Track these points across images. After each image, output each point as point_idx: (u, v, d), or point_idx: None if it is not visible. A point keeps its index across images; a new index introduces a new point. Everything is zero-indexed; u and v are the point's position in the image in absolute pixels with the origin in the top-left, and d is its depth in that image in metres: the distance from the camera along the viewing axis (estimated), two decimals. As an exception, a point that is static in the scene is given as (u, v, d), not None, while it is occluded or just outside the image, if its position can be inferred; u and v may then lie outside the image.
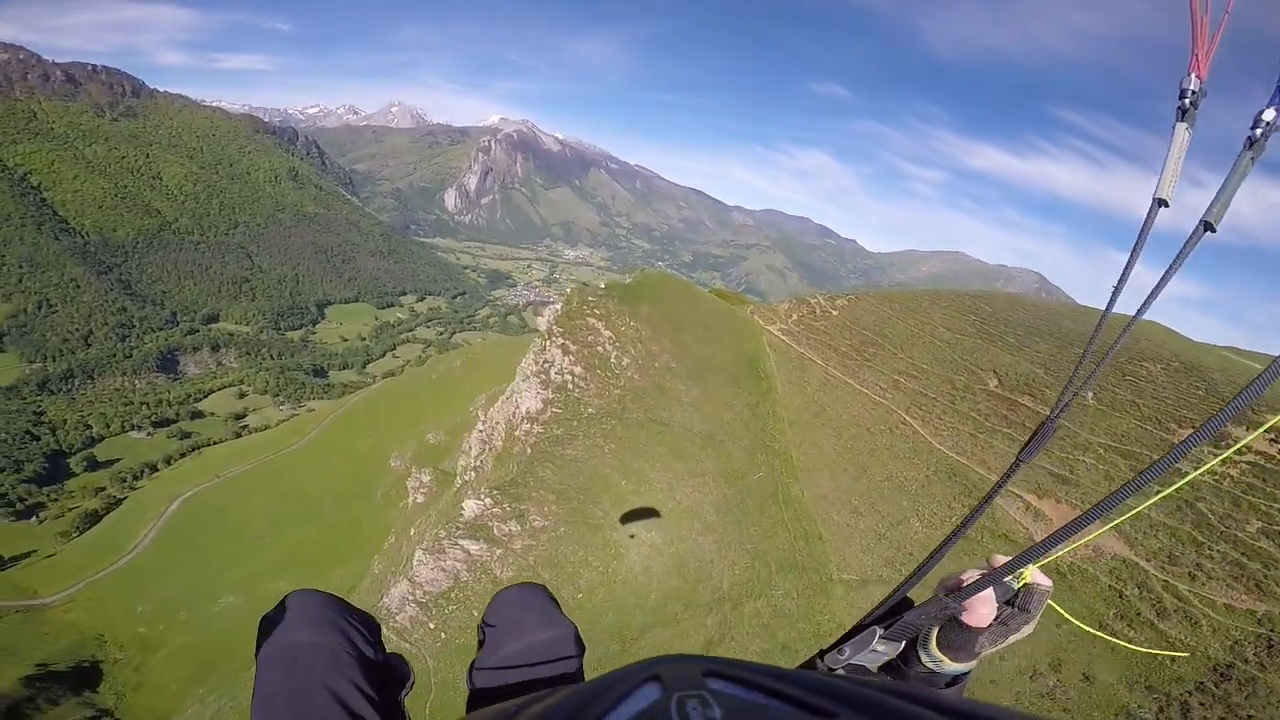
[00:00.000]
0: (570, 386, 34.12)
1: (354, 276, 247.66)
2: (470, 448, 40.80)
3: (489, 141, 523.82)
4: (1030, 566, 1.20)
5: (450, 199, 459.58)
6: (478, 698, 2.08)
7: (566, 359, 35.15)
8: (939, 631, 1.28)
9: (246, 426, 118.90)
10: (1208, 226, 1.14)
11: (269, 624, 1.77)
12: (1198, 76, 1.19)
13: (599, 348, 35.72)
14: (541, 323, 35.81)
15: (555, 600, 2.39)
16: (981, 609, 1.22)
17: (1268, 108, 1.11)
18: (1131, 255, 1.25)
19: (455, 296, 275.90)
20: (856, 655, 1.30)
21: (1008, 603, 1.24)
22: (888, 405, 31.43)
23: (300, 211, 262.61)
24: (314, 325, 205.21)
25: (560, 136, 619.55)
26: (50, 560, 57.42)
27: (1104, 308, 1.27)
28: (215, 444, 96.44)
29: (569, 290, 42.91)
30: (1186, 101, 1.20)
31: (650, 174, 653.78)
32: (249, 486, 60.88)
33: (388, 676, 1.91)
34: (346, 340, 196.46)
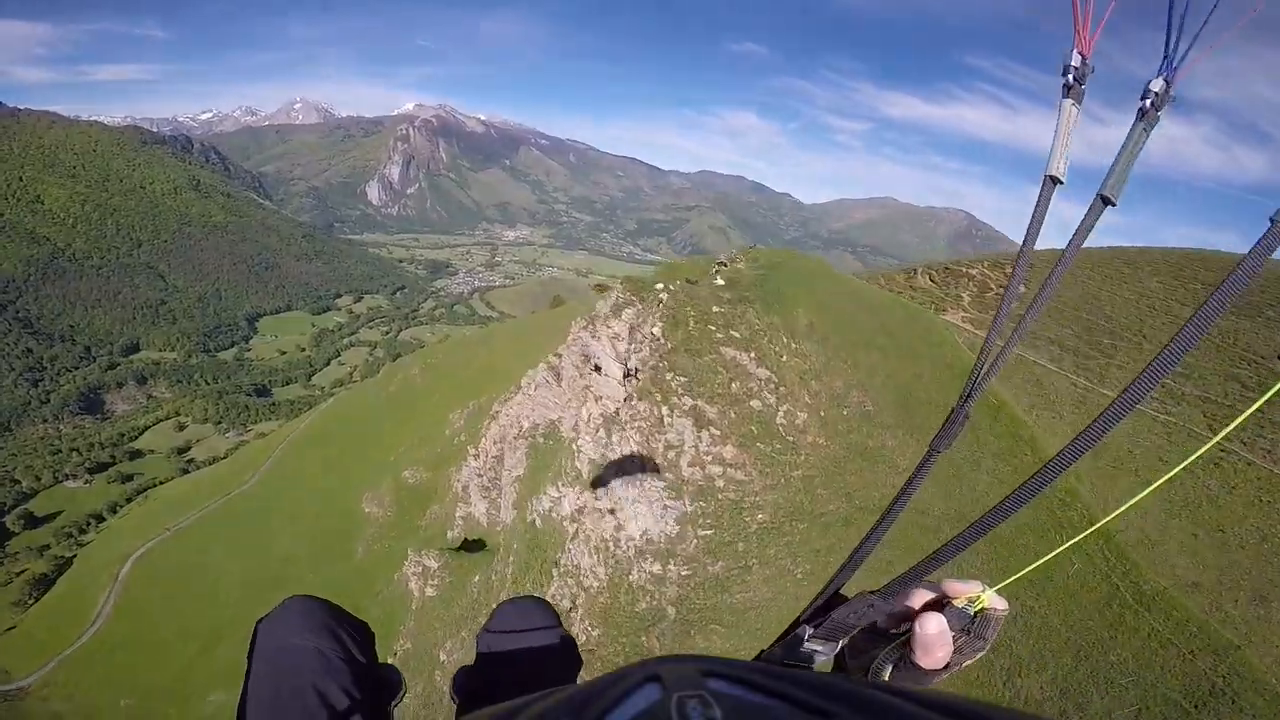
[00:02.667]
0: (721, 485, 19.41)
1: (281, 284, 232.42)
2: (508, 549, 28.61)
3: (406, 129, 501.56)
4: (987, 590, 1.10)
5: (373, 192, 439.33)
6: (465, 704, 2.16)
7: (702, 436, 19.92)
8: (891, 671, 1.17)
9: (193, 460, 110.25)
10: (1105, 200, 1.11)
11: (265, 628, 1.79)
12: (1080, 53, 1.14)
13: (751, 401, 20.66)
14: (610, 367, 24.76)
15: (556, 612, 2.36)
16: (938, 651, 1.09)
17: (1156, 78, 1.07)
18: (1028, 234, 1.17)
19: (395, 292, 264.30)
20: (789, 656, 1.22)
21: (964, 630, 1.10)
22: (1178, 423, 20.80)
23: (209, 222, 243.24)
24: (246, 341, 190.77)
25: (483, 118, 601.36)
26: (11, 634, 51.54)
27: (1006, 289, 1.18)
28: (162, 483, 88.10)
29: (648, 291, 27.06)
30: (1070, 78, 1.15)
31: (583, 146, 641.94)
32: (207, 538, 54.17)
33: (379, 684, 1.90)
34: (285, 353, 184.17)
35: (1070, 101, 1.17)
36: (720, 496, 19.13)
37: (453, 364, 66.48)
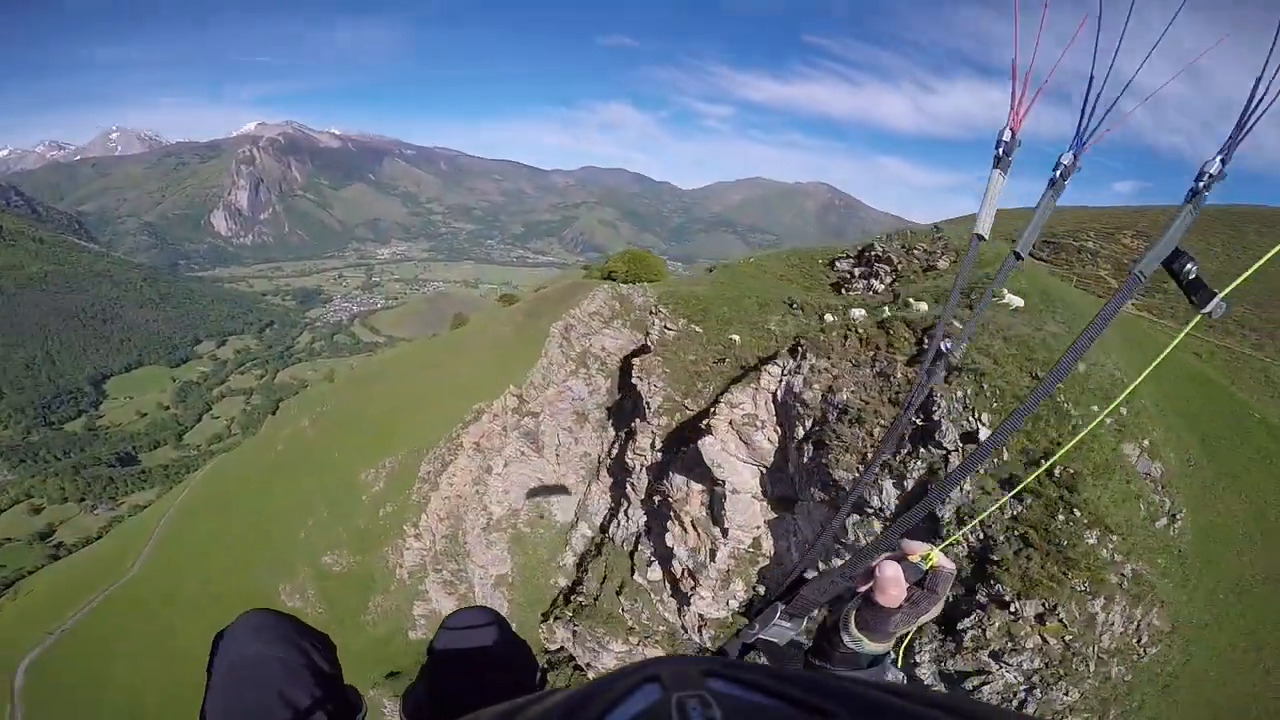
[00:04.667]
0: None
1: (127, 337, 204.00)
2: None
3: (250, 151, 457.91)
4: (935, 549, 1.28)
5: (220, 222, 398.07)
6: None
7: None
8: (857, 613, 1.32)
9: (60, 544, 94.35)
10: (1018, 256, 1.33)
11: (223, 640, 1.76)
12: (1012, 130, 1.31)
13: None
14: (734, 468, 19.52)
15: (506, 622, 2.27)
16: (892, 589, 1.26)
17: (1067, 152, 1.24)
18: (957, 280, 1.48)
19: (263, 330, 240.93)
20: (764, 631, 1.36)
21: (917, 584, 1.29)
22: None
23: (23, 274, 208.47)
24: (96, 407, 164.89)
25: (338, 132, 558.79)
26: None
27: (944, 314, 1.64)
28: (32, 572, 73.83)
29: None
30: (1000, 150, 1.32)
31: (454, 154, 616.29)
32: (104, 640, 44.64)
33: (342, 701, 1.85)
34: (145, 414, 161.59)
35: (998, 171, 1.32)
36: None
37: (348, 409, 58.22)
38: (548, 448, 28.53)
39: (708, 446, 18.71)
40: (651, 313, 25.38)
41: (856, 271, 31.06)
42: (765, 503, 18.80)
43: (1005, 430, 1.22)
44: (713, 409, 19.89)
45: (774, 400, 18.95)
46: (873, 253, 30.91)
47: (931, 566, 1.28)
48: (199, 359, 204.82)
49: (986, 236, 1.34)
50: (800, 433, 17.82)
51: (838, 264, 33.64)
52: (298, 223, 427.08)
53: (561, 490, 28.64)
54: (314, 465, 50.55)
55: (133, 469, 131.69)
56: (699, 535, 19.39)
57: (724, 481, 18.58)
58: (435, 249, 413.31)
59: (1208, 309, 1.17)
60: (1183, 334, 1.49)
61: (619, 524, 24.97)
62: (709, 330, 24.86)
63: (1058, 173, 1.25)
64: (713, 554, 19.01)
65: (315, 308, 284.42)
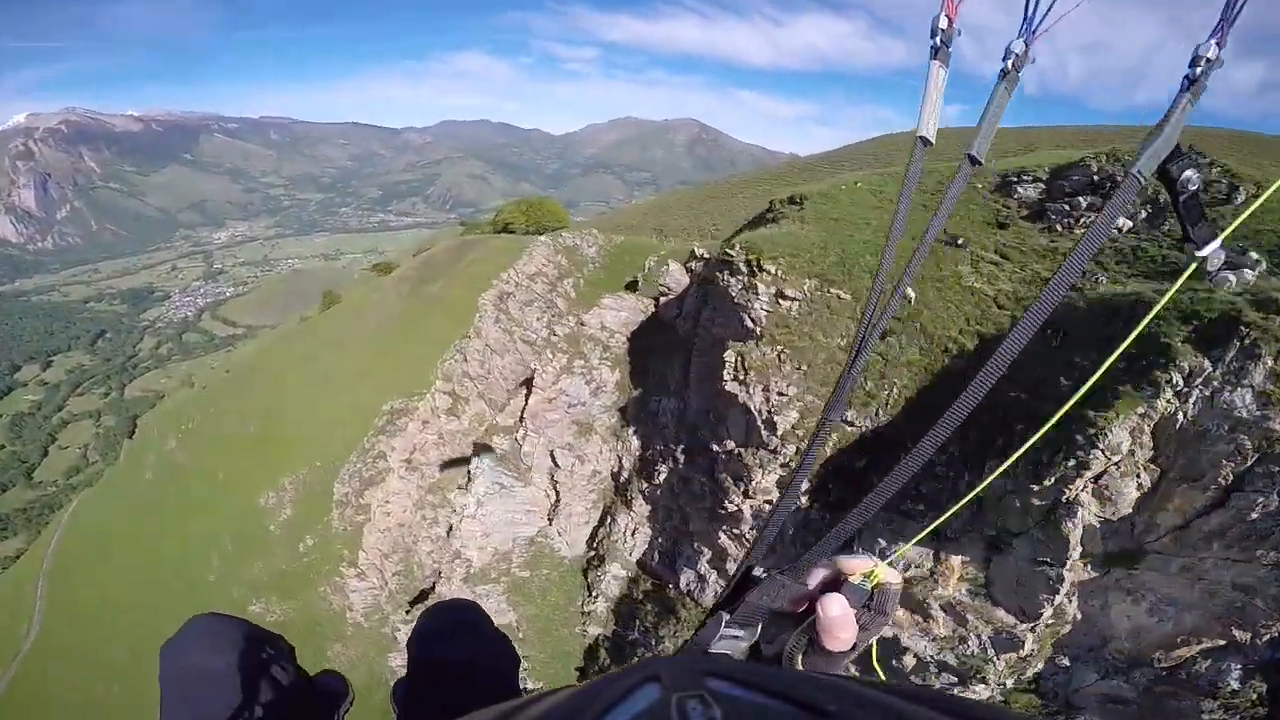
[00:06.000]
0: None
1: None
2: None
3: (26, 144, 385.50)
4: (880, 564, 1.14)
5: (6, 228, 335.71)
6: (404, 716, 2.08)
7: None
8: (802, 657, 1.16)
9: None
10: (973, 160, 1.17)
11: (170, 650, 1.72)
12: (948, 16, 1.19)
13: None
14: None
15: (486, 615, 2.34)
16: (842, 633, 1.10)
17: (1017, 39, 1.13)
18: (902, 195, 1.26)
19: (95, 341, 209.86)
20: (712, 642, 1.21)
21: (865, 606, 1.14)
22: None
23: None
24: None
25: (137, 114, 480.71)
26: None
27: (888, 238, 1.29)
28: None
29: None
30: (938, 40, 1.20)
31: (287, 122, 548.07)
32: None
33: (311, 697, 1.85)
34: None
35: (938, 64, 1.18)
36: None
37: (221, 422, 49.92)
38: (538, 472, 23.27)
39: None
40: (745, 273, 16.85)
41: (1083, 201, 18.57)
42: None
43: (999, 362, 1.05)
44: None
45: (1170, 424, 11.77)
46: (1091, 172, 18.78)
47: (877, 584, 1.13)
48: (24, 387, 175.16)
49: (932, 139, 1.20)
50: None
51: (1018, 187, 20.83)
52: (106, 217, 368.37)
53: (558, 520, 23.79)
54: (198, 494, 43.27)
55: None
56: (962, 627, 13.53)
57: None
58: (281, 224, 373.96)
59: (1204, 253, 1.04)
60: (1175, 288, 1.27)
61: (687, 568, 19.35)
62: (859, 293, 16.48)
63: (1008, 63, 1.14)
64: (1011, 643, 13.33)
65: (152, 307, 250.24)
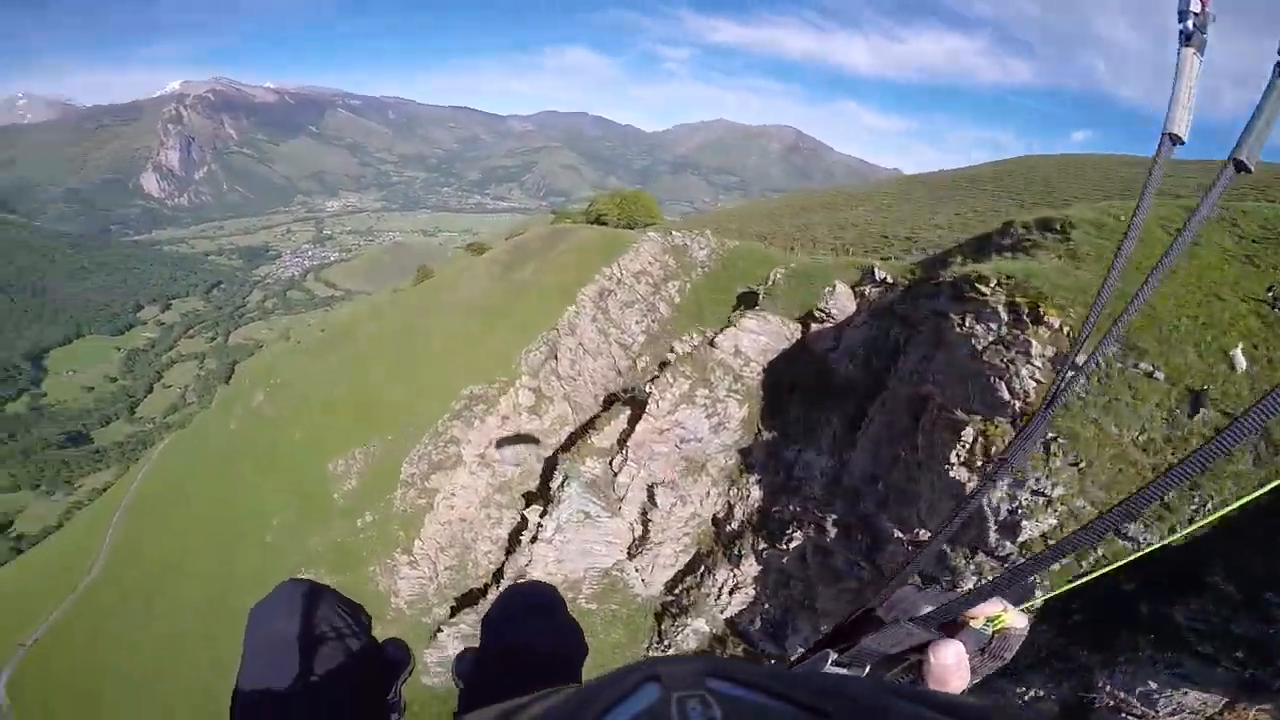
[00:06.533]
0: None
1: (61, 307, 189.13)
2: None
3: (176, 109, 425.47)
4: (1009, 608, 1.05)
5: (150, 184, 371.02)
6: (469, 692, 2.13)
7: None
8: None
9: (22, 536, 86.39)
10: (1240, 166, 0.96)
11: (258, 613, 1.77)
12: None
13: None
14: None
15: (563, 601, 2.34)
16: (953, 681, 1.00)
17: None
18: (1141, 197, 1.09)
19: (210, 290, 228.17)
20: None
21: (980, 650, 1.04)
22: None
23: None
24: (37, 385, 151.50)
25: (273, 86, 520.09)
26: None
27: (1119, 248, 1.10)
28: None
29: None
30: (1190, 24, 1.04)
31: (404, 102, 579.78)
32: (84, 643, 39.66)
33: (380, 666, 1.90)
34: (92, 389, 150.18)
35: (1191, 50, 1.02)
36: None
37: (307, 381, 50.23)
38: (630, 504, 19.65)
39: None
40: (1005, 320, 12.72)
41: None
42: None
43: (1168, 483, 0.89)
44: None
45: None
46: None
47: (1000, 630, 1.02)
48: (143, 325, 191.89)
49: (1184, 137, 1.01)
50: None
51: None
52: (237, 180, 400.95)
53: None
54: (273, 451, 43.34)
55: (86, 448, 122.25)
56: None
57: None
58: (388, 199, 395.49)
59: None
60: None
61: (799, 646, 15.96)
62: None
63: (1188, 22, 0.99)
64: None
65: (264, 265, 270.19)
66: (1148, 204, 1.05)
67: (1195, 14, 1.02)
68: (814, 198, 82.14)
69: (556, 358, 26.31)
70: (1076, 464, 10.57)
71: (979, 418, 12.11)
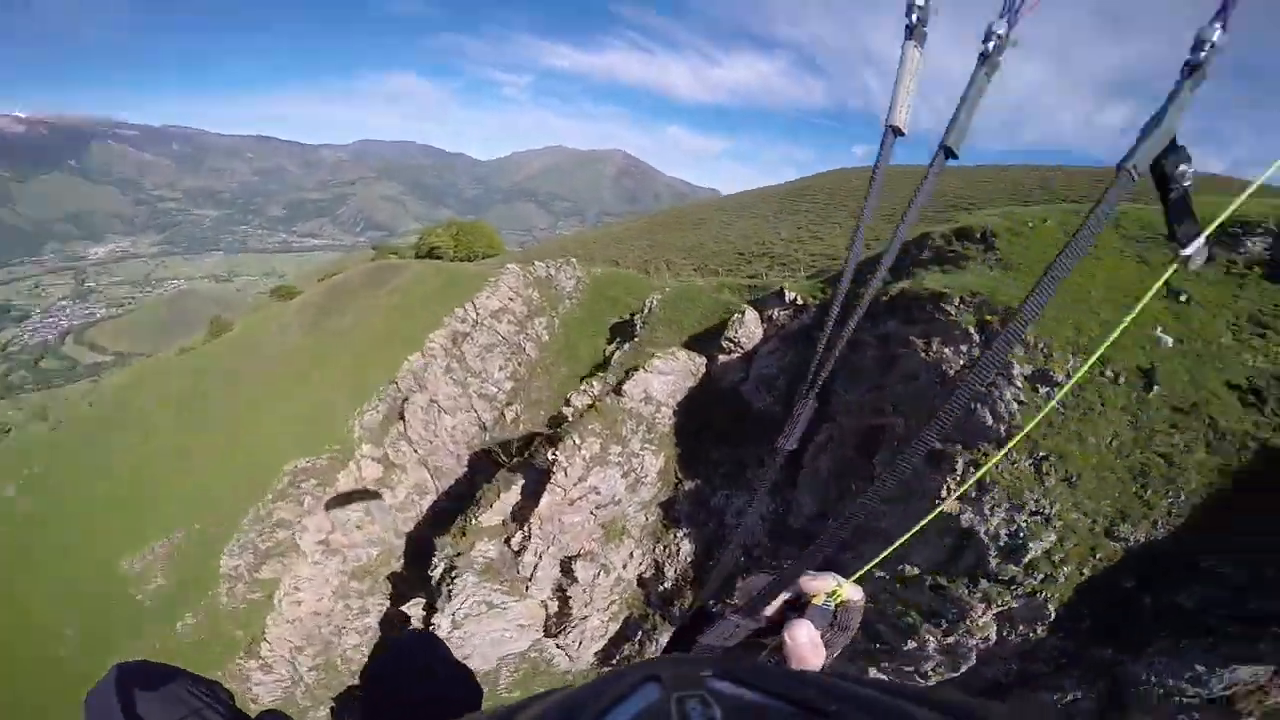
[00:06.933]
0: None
1: None
2: None
3: None
4: (842, 582, 1.11)
5: None
6: None
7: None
8: None
9: None
10: (948, 152, 1.06)
11: (94, 703, 1.58)
12: None
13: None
14: None
15: (448, 649, 2.23)
16: (811, 657, 1.05)
17: (999, 19, 1.05)
18: (870, 188, 1.13)
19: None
20: None
21: (829, 625, 1.10)
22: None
23: None
24: None
25: (24, 115, 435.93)
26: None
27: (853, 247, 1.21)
28: None
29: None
30: (914, 18, 1.07)
31: (193, 131, 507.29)
32: None
33: None
34: None
35: (913, 44, 1.07)
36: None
37: (78, 468, 41.14)
38: (541, 584, 15.93)
39: None
40: (977, 341, 12.09)
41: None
42: None
43: (969, 386, 0.96)
44: None
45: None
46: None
47: (841, 603, 1.09)
48: None
49: (905, 129, 1.07)
50: None
51: (1245, 240, 15.10)
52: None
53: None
54: (45, 554, 35.05)
55: None
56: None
57: None
58: (170, 241, 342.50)
59: (1189, 252, 1.00)
60: (1159, 283, 1.21)
61: None
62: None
63: (990, 44, 1.04)
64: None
65: (7, 327, 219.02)
66: (876, 190, 1.06)
67: (920, 6, 1.04)
68: (655, 219, 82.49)
69: (404, 418, 21.27)
70: (1068, 479, 10.31)
71: (958, 446, 11.02)
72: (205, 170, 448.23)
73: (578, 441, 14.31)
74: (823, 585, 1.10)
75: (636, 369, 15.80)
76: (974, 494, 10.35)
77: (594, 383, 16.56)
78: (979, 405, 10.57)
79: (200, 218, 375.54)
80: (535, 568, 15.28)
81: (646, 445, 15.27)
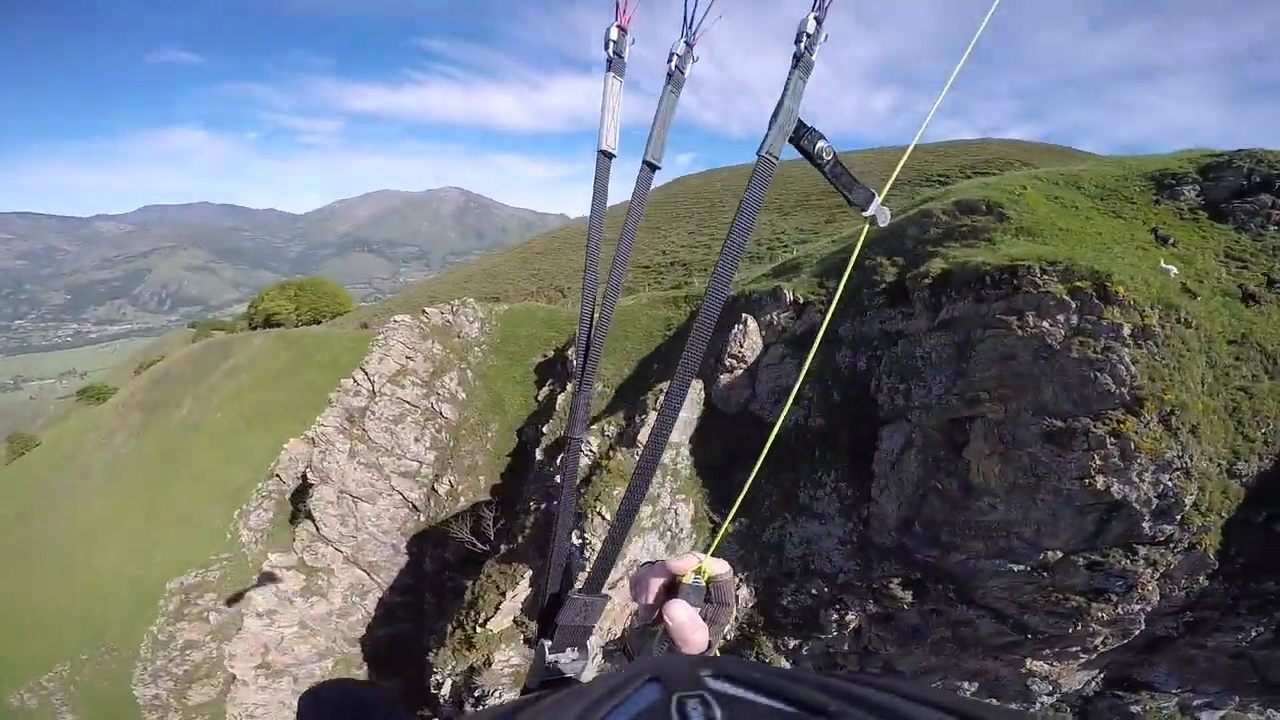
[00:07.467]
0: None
1: None
2: None
3: None
4: (703, 558, 1.14)
5: None
6: None
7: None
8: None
9: None
10: (651, 166, 1.17)
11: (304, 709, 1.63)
12: (620, 27, 1.19)
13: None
14: None
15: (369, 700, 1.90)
16: (695, 635, 1.09)
17: (679, 40, 1.16)
18: (593, 210, 1.26)
19: None
20: (539, 677, 1.17)
21: (705, 601, 1.15)
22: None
23: None
24: None
25: None
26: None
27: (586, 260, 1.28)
28: None
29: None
30: (611, 52, 1.20)
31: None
32: None
33: None
34: None
35: (612, 75, 1.19)
36: None
37: None
38: (586, 677, 13.55)
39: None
40: (1072, 306, 11.50)
41: (1268, 199, 14.15)
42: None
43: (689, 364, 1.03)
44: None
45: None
46: (1243, 173, 14.55)
47: (709, 579, 1.13)
48: None
49: (614, 151, 1.19)
50: None
51: (1181, 189, 15.41)
52: None
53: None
54: None
55: None
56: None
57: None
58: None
59: (870, 212, 1.12)
60: (859, 249, 1.36)
61: None
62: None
63: (672, 64, 1.15)
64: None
65: None
66: (601, 208, 1.23)
67: (615, 41, 1.18)
68: (521, 249, 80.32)
69: (312, 517, 17.83)
70: (1193, 429, 10.28)
71: (1085, 419, 10.59)
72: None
73: (605, 515, 12.26)
74: (688, 564, 1.11)
75: (648, 410, 13.96)
76: (1121, 465, 10.22)
77: (594, 436, 14.42)
78: (1098, 373, 10.47)
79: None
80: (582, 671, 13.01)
81: (677, 498, 13.56)
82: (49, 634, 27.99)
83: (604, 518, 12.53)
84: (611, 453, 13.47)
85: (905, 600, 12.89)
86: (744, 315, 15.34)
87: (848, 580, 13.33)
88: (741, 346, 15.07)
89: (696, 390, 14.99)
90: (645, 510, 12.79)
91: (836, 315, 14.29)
